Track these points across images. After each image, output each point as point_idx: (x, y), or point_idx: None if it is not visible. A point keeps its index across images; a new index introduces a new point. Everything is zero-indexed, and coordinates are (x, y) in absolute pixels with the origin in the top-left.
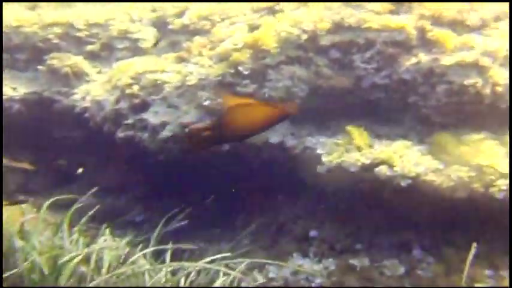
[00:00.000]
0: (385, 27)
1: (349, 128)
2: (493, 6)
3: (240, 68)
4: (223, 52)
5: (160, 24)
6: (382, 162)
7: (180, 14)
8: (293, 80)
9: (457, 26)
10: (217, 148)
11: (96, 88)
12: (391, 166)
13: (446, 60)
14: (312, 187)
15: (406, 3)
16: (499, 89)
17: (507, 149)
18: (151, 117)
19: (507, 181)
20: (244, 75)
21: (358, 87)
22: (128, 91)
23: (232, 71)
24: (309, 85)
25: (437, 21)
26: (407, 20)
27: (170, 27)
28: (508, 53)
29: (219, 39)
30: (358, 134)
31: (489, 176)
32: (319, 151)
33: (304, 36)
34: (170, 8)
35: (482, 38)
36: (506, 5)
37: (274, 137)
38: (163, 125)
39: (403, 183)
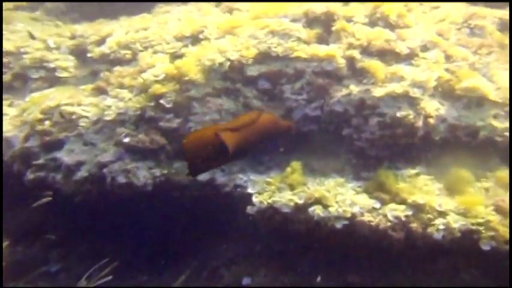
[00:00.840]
0: (314, 57)
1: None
2: (421, 35)
3: (162, 101)
4: (144, 84)
5: (79, 52)
6: (316, 202)
7: (100, 42)
8: (220, 113)
9: (386, 55)
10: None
11: (5, 123)
12: (325, 206)
13: (378, 91)
14: (246, 227)
15: (335, 32)
16: (431, 120)
17: (441, 185)
18: (65, 156)
19: (445, 220)
20: (167, 109)
21: (290, 119)
22: (38, 127)
23: (153, 104)
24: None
25: (366, 50)
26: (336, 50)
27: (89, 55)
28: (435, 83)
29: (140, 69)
30: (290, 172)
31: (427, 215)
32: (249, 190)
33: (230, 66)
34: (91, 35)
35: (410, 69)
36: (433, 34)
37: (203, 174)
38: (79, 164)
39: (338, 225)
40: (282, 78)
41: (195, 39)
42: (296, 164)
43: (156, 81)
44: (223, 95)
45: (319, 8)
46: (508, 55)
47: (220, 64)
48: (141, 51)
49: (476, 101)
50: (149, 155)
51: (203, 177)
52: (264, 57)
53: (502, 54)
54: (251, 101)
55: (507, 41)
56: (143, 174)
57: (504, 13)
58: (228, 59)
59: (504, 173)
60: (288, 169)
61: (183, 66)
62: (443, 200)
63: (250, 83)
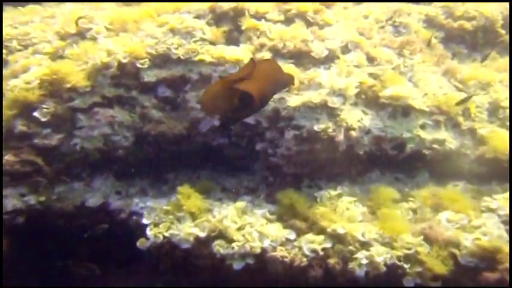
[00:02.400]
0: (221, 60)
1: (179, 190)
2: (342, 35)
3: (37, 114)
4: (13, 93)
5: None
6: (221, 235)
7: None
8: (113, 127)
9: (303, 57)
10: None
11: None
12: (229, 241)
13: (293, 100)
14: (147, 260)
15: (245, 30)
16: (354, 133)
17: (365, 208)
18: None
19: (368, 253)
20: (43, 123)
21: (196, 132)
22: None
23: (25, 117)
24: (135, 131)
25: (279, 52)
26: (245, 52)
27: None
28: (357, 90)
29: (12, 73)
30: (188, 197)
31: (347, 247)
32: (144, 221)
33: (123, 71)
34: None
35: (329, 74)
36: (355, 33)
37: (93, 197)
38: None
39: (240, 265)
40: (186, 85)
41: (82, 37)
42: (184, 189)
43: (29, 89)
44: (116, 104)
45: (226, 3)
46: (435, 54)
47: (110, 68)
48: (18, 50)
49: (402, 110)
50: (21, 180)
51: (94, 202)
52: (163, 60)
53: (428, 54)
54: (150, 112)
55: (434, 40)
56: (12, 203)
57: (430, 9)
58: (120, 62)
59: (432, 191)
60: (185, 194)
61: (63, 70)
62: (366, 228)
63: (148, 91)
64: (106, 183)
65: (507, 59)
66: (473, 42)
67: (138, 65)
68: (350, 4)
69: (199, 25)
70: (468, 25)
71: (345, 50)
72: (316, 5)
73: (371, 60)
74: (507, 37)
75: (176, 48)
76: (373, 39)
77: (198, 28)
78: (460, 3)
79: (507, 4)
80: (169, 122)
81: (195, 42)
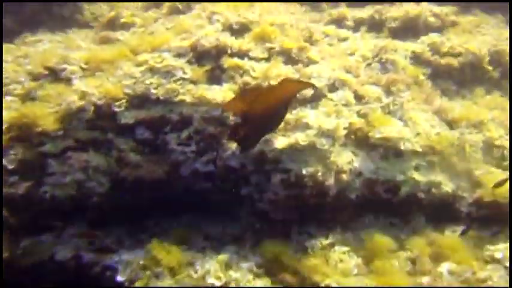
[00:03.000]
0: (203, 100)
1: (152, 245)
2: (328, 72)
3: (3, 161)
4: None
5: None
6: None
7: None
8: (87, 172)
9: None
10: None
11: None
12: None
13: (280, 142)
14: None
15: (228, 69)
16: (345, 176)
17: (359, 258)
18: None
19: None
20: (10, 170)
21: (176, 176)
22: None
23: None
24: (111, 177)
25: None
26: (228, 92)
27: None
28: (346, 131)
29: None
30: (165, 252)
31: None
32: (118, 278)
33: (99, 112)
34: None
35: (317, 113)
36: (341, 70)
37: (63, 250)
38: None
39: None
40: (166, 126)
41: (56, 77)
42: (155, 245)
43: None
44: (91, 148)
45: (208, 41)
46: (424, 92)
47: (84, 110)
48: None
49: (394, 151)
50: None
51: (64, 255)
52: (142, 100)
53: (417, 91)
54: (127, 155)
55: (421, 76)
56: None
57: (416, 46)
58: (95, 104)
59: (429, 239)
60: (161, 249)
61: (33, 113)
62: (361, 281)
63: (126, 133)
64: (78, 234)
65: (496, 95)
66: (461, 78)
67: (115, 107)
68: (335, 41)
69: (180, 64)
70: (455, 62)
71: (332, 88)
72: (301, 42)
73: (359, 98)
74: (494, 73)
75: (155, 88)
76: (361, 76)
77: (179, 67)
78: (445, 40)
79: (495, 41)
80: (148, 166)
81: (175, 81)
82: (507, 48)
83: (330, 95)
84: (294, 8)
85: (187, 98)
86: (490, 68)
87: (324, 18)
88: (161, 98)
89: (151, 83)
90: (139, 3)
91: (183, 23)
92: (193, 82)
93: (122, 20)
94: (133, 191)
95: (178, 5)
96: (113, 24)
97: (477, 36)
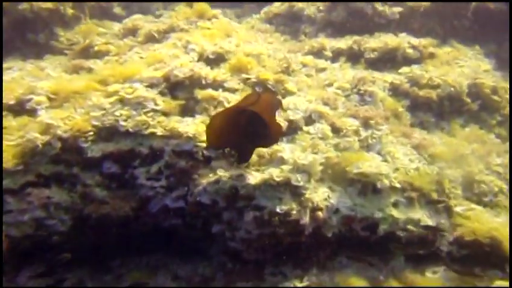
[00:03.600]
0: (175, 133)
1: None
2: (305, 104)
3: None
4: None
5: None
6: None
7: None
8: (47, 209)
9: None
10: None
11: None
12: None
13: (253, 177)
14: None
15: (202, 100)
16: (321, 214)
17: None
18: None
19: None
20: None
21: (145, 213)
22: None
23: None
24: (73, 214)
25: None
26: (201, 125)
27: None
28: (322, 167)
29: None
30: None
31: None
32: None
33: (63, 146)
34: None
35: (292, 147)
36: (319, 102)
37: None
38: None
39: None
40: (134, 160)
41: (20, 108)
42: None
43: None
44: (53, 183)
45: (182, 71)
46: (402, 124)
47: (48, 143)
48: None
49: (372, 186)
50: None
51: None
52: (110, 133)
53: (396, 124)
54: (93, 190)
55: (400, 108)
56: None
57: (393, 77)
58: (60, 137)
59: (410, 280)
60: None
61: None
62: None
63: (92, 167)
64: (35, 277)
65: (475, 128)
66: (440, 110)
67: (81, 140)
68: (313, 71)
69: (152, 95)
70: (433, 94)
71: (309, 120)
72: (278, 73)
73: (337, 131)
74: (473, 105)
75: (125, 120)
76: (338, 109)
77: (150, 98)
78: (424, 71)
79: (473, 74)
80: (114, 202)
81: (146, 113)
82: (486, 81)
83: (306, 128)
84: (272, 38)
85: (158, 131)
86: (469, 100)
87: (303, 48)
88: (131, 130)
89: (120, 115)
90: (116, 30)
91: (157, 52)
92: (165, 114)
93: (96, 48)
94: (97, 229)
95: (154, 33)
96: (87, 52)
97: (455, 68)
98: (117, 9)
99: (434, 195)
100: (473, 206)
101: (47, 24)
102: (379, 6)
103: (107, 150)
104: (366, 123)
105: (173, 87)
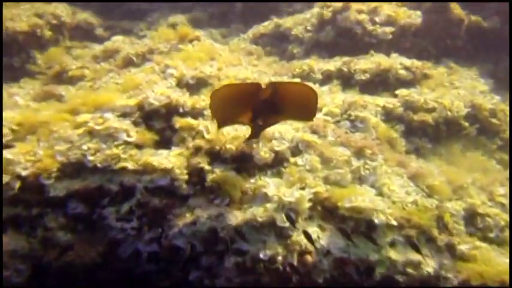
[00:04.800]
0: (148, 168)
1: None
2: (291, 133)
3: None
4: None
5: None
6: None
7: None
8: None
9: (247, 161)
10: None
11: None
12: None
13: (234, 217)
14: None
15: (179, 130)
16: (310, 258)
17: None
18: None
19: None
20: None
21: (114, 258)
22: None
23: None
24: (32, 262)
25: (219, 156)
26: (178, 158)
27: None
28: (311, 204)
29: None
30: None
31: None
32: None
33: (22, 186)
34: None
35: (278, 182)
36: (306, 130)
37: None
38: None
39: None
40: (103, 199)
41: None
42: None
43: None
44: (10, 227)
45: (158, 98)
46: (397, 151)
47: (7, 183)
48: None
49: (367, 224)
50: None
51: None
52: (76, 169)
53: (391, 152)
54: (55, 234)
55: (395, 135)
56: None
57: (386, 100)
58: (19, 176)
59: None
60: None
61: None
62: None
63: (56, 207)
64: None
65: (475, 154)
66: (436, 135)
67: (43, 178)
68: None
69: (124, 125)
70: (429, 117)
71: (296, 151)
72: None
73: (326, 161)
74: (471, 129)
75: (93, 154)
76: (328, 137)
77: (122, 129)
78: (418, 94)
79: (470, 95)
80: (80, 247)
81: (117, 146)
82: (483, 103)
83: (293, 159)
84: (257, 60)
85: (130, 165)
86: (467, 124)
87: (290, 70)
88: (99, 165)
89: (88, 149)
90: (96, 52)
91: (134, 77)
92: (138, 146)
93: (70, 73)
94: (60, 278)
95: (133, 57)
96: (61, 77)
97: (451, 90)
98: (99, 30)
99: (435, 232)
100: (478, 243)
101: (22, 48)
102: (368, 25)
103: (72, 188)
104: (358, 153)
105: (148, 116)
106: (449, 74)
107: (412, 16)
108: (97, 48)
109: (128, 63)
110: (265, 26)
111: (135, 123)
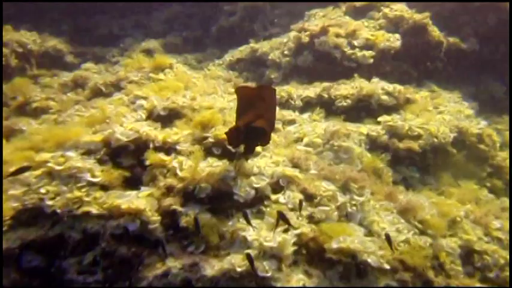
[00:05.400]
0: (115, 212)
1: None
2: (273, 169)
3: None
4: None
5: None
6: None
7: None
8: None
9: (224, 200)
10: None
11: None
12: None
13: (210, 266)
14: None
15: (149, 168)
16: None
17: None
18: None
19: None
20: None
21: None
22: None
23: None
24: None
25: (193, 196)
26: (147, 199)
27: None
28: (295, 247)
29: None
30: None
31: None
32: None
33: None
34: None
35: (257, 226)
36: (287, 164)
37: None
38: None
39: None
40: (63, 249)
41: None
42: None
43: None
44: None
45: (125, 133)
46: (385, 182)
47: None
48: None
49: (356, 268)
50: None
51: None
52: (32, 215)
53: (378, 184)
54: None
55: (381, 164)
56: None
57: (370, 128)
58: None
59: None
60: None
61: None
62: None
63: (8, 261)
64: None
65: (466, 183)
66: (423, 163)
67: None
68: (280, 125)
69: (88, 164)
70: (415, 145)
71: (277, 187)
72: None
73: (309, 198)
74: (460, 156)
75: (52, 199)
76: (310, 170)
77: (85, 169)
78: (402, 120)
79: (455, 120)
80: None
81: (79, 188)
82: (470, 128)
83: (274, 196)
84: (234, 87)
85: (94, 210)
86: (455, 150)
87: None
88: (59, 211)
89: (47, 192)
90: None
91: (101, 110)
92: (104, 187)
93: (34, 105)
94: None
95: (101, 87)
96: (24, 109)
97: (435, 115)
98: (69, 57)
99: (431, 274)
100: (478, 285)
101: None
102: (347, 49)
103: (27, 238)
104: (343, 187)
105: (116, 153)
106: (432, 97)
107: (391, 39)
108: (65, 76)
109: (97, 93)
110: (242, 51)
111: (101, 162)
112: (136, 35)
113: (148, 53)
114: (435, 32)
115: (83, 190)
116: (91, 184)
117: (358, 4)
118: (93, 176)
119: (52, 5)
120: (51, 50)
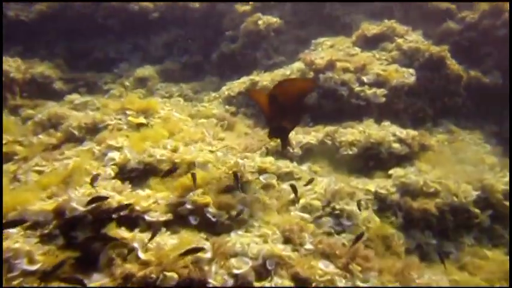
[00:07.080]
0: None
1: None
2: (258, 246)
3: None
4: None
5: None
6: None
7: None
8: None
9: None
10: None
11: None
12: None
13: None
14: None
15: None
16: None
17: None
18: None
19: None
20: None
21: None
22: None
23: None
24: None
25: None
26: None
27: None
28: None
29: None
30: None
31: None
32: None
33: None
34: None
35: None
36: (277, 241)
37: None
38: None
39: None
40: None
41: None
42: None
43: None
44: None
45: (83, 201)
46: (396, 254)
47: None
48: None
49: None
50: None
51: None
52: None
53: (387, 258)
54: None
55: (390, 230)
56: None
57: (378, 184)
58: None
59: None
60: None
61: None
62: None
63: None
64: None
65: (493, 253)
66: (442, 226)
67: None
68: (273, 180)
69: (27, 246)
70: (431, 205)
71: (263, 271)
72: (222, 192)
73: (303, 283)
74: (484, 217)
75: None
76: (305, 245)
77: (23, 252)
78: (416, 174)
79: (477, 173)
80: None
81: (9, 281)
82: (495, 183)
83: (258, 285)
84: (225, 133)
85: None
86: (477, 210)
87: (264, 143)
88: None
89: None
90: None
91: (62, 165)
92: (45, 275)
93: None
94: None
95: (74, 130)
96: None
97: (454, 165)
98: (58, 84)
99: None
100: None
101: None
102: (355, 86)
103: None
104: (345, 268)
105: (69, 225)
106: (450, 141)
107: (405, 75)
108: (41, 113)
109: (69, 137)
110: (240, 83)
111: (49, 238)
112: (133, 59)
113: (143, 81)
114: (454, 65)
115: (17, 281)
116: (26, 274)
117: (369, 34)
118: (31, 261)
119: (48, 26)
120: (38, 77)
